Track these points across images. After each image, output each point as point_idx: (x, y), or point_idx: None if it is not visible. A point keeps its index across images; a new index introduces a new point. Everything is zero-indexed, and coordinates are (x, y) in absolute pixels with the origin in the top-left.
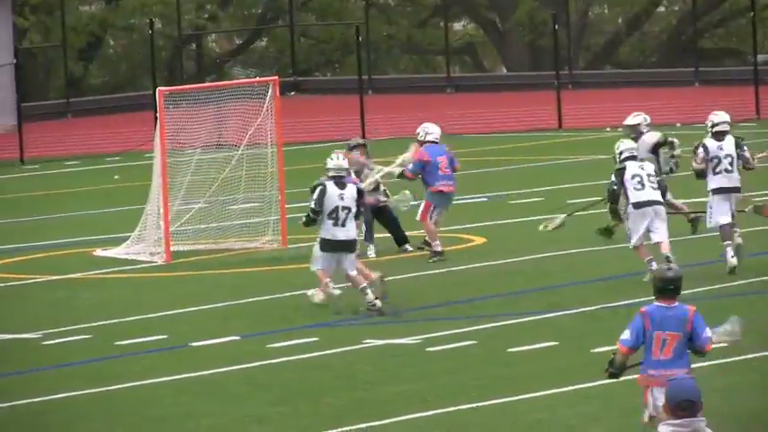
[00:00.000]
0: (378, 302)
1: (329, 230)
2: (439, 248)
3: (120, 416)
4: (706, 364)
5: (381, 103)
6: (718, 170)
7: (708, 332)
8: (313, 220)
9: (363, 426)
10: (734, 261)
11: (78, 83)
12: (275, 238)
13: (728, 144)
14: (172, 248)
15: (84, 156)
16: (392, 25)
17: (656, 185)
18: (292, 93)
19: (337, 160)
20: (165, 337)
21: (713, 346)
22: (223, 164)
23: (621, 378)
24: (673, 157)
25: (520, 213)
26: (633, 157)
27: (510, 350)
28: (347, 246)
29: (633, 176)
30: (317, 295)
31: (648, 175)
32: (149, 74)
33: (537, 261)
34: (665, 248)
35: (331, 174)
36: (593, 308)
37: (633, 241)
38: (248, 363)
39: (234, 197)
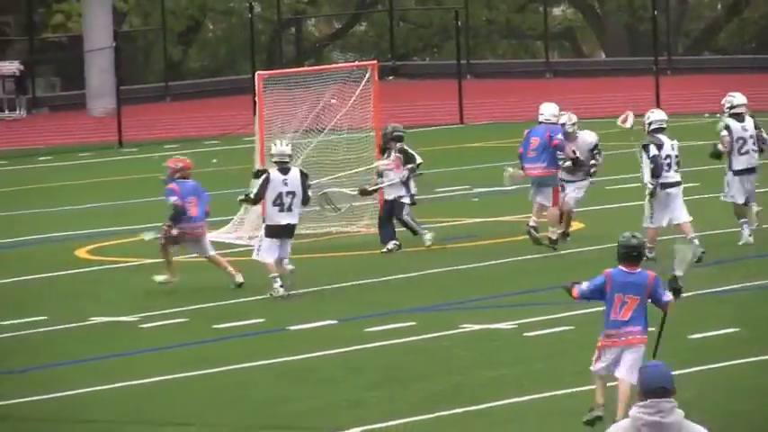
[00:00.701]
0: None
1: (273, 217)
2: (553, 236)
3: (218, 400)
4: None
5: (479, 88)
6: (744, 150)
7: (667, 296)
8: (253, 202)
9: (459, 410)
10: (750, 239)
11: (177, 66)
12: (373, 222)
13: (750, 124)
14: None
15: (183, 139)
16: (491, 10)
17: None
18: (390, 77)
19: (280, 146)
20: (262, 320)
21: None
22: (322, 149)
23: None
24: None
25: (619, 199)
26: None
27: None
28: (291, 230)
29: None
30: (160, 277)
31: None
32: (248, 58)
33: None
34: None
35: (274, 160)
36: (691, 293)
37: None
38: (344, 347)
39: (333, 180)
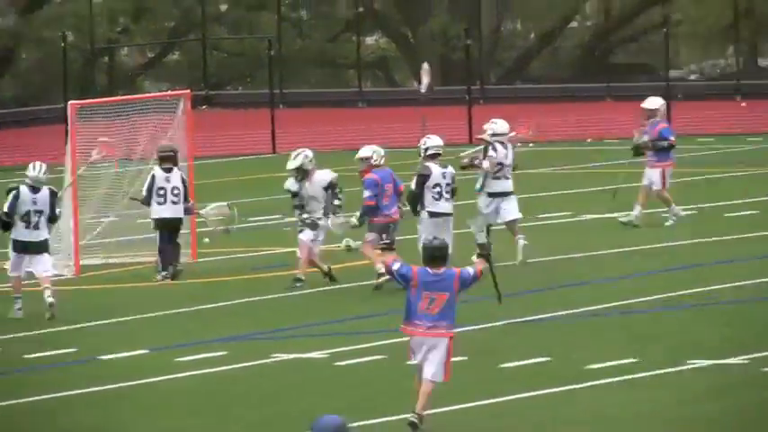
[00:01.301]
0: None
1: (20, 233)
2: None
3: (25, 429)
4: (614, 380)
5: (292, 117)
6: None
7: (475, 265)
8: (6, 223)
9: None
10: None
11: None
12: (185, 252)
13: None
14: (82, 262)
15: None
16: (304, 39)
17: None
18: (204, 107)
19: (34, 172)
20: (74, 350)
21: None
22: (134, 177)
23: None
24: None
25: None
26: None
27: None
28: (36, 247)
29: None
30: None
31: None
32: (61, 87)
33: None
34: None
35: (27, 182)
36: (500, 323)
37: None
38: (155, 377)
39: (144, 211)
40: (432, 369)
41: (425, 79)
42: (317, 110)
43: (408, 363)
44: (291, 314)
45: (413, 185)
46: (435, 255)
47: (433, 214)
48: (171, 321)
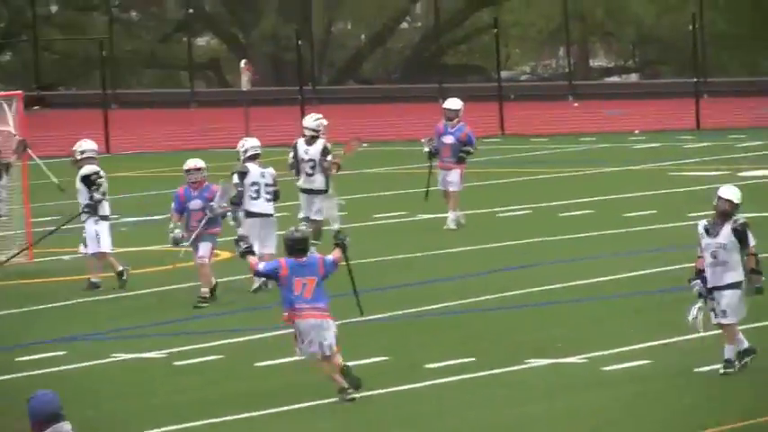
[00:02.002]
0: None
1: None
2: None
3: None
4: (452, 379)
5: (126, 118)
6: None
7: (334, 254)
8: None
9: None
10: None
11: None
12: (24, 253)
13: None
14: None
15: None
16: (135, 40)
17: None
18: (37, 107)
19: None
20: None
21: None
22: None
23: None
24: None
25: None
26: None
27: (256, 365)
28: None
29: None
30: None
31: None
32: None
33: None
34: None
35: None
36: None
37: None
38: None
39: None
40: (330, 345)
41: (245, 76)
42: (150, 110)
43: (295, 357)
44: (130, 314)
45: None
46: (296, 247)
47: (250, 214)
48: (10, 321)
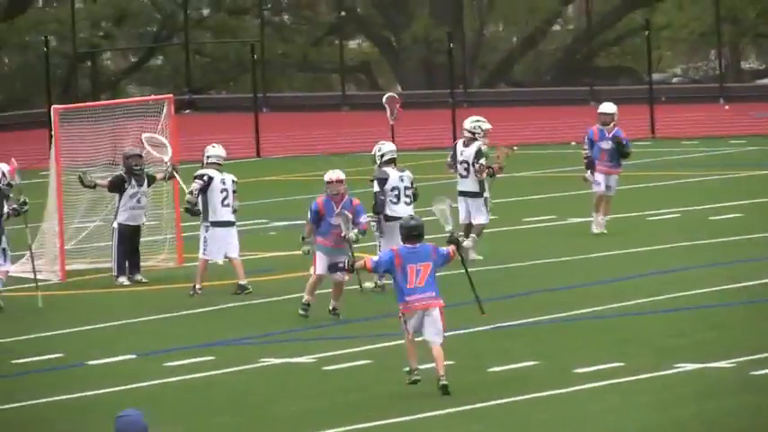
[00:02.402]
0: None
1: None
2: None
3: None
4: (601, 384)
5: (276, 121)
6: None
7: (447, 248)
8: None
9: None
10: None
11: None
12: (171, 256)
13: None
14: (68, 267)
15: None
16: (287, 43)
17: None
18: (187, 111)
19: None
20: (61, 355)
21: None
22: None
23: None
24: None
25: None
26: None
27: (406, 369)
28: None
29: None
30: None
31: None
32: (44, 92)
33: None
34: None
35: None
36: (486, 327)
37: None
38: (144, 381)
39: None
40: (433, 332)
41: (390, 108)
42: (301, 114)
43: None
44: (280, 319)
45: (375, 188)
46: (413, 233)
47: (389, 218)
48: (159, 326)
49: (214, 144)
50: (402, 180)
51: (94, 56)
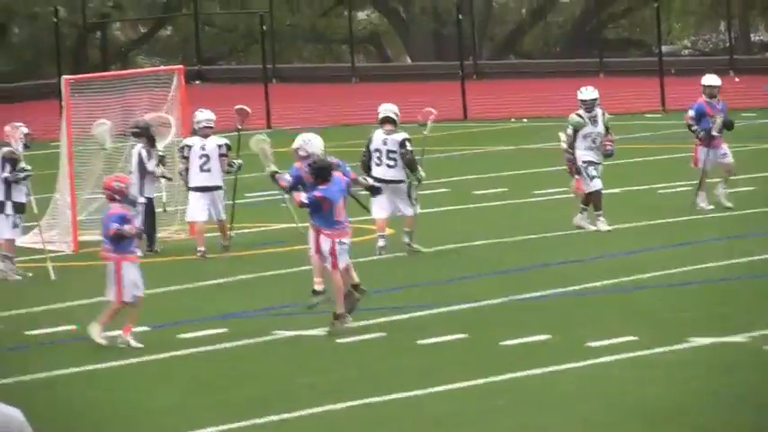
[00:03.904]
0: None
1: None
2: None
3: (30, 409)
4: (614, 358)
5: (286, 92)
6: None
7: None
8: None
9: (275, 418)
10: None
11: None
12: (183, 228)
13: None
14: (80, 238)
15: None
16: (296, 14)
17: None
18: (197, 81)
19: None
20: (74, 327)
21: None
22: (130, 153)
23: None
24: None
25: (426, 204)
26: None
27: (419, 342)
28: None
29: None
30: None
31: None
32: (54, 62)
33: (441, 253)
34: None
35: None
36: (499, 300)
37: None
38: (158, 353)
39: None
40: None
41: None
42: (311, 85)
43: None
44: (292, 291)
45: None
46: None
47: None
48: (172, 298)
49: (201, 109)
50: (385, 143)
51: (104, 26)
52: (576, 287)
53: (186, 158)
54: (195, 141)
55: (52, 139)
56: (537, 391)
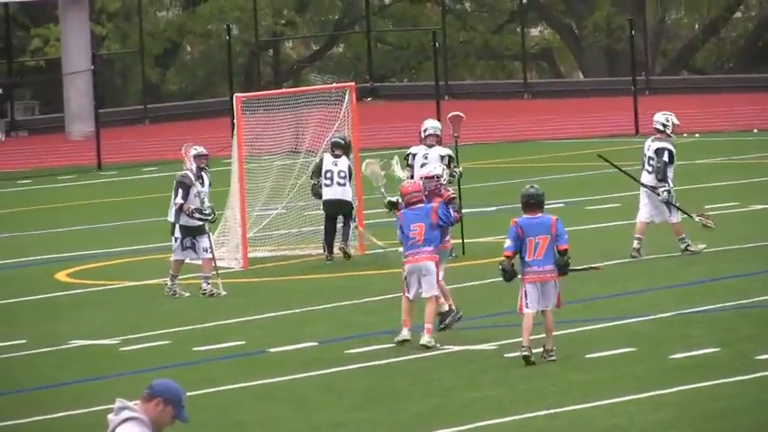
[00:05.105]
0: None
1: None
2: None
3: (198, 423)
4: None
5: (458, 109)
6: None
7: (566, 237)
8: None
9: None
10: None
11: (155, 89)
12: (352, 244)
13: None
14: (250, 254)
15: (162, 162)
16: (469, 31)
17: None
18: (369, 99)
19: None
20: (242, 342)
21: None
22: (301, 170)
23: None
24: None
25: (596, 219)
26: None
27: (587, 356)
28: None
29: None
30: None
31: None
32: (226, 80)
33: (613, 267)
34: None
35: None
36: (668, 314)
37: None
38: (326, 369)
39: (311, 203)
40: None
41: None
42: (483, 101)
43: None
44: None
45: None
46: (531, 201)
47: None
48: (340, 313)
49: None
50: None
51: (276, 44)
52: (743, 301)
53: (411, 167)
54: (420, 150)
55: (225, 156)
56: (705, 403)
